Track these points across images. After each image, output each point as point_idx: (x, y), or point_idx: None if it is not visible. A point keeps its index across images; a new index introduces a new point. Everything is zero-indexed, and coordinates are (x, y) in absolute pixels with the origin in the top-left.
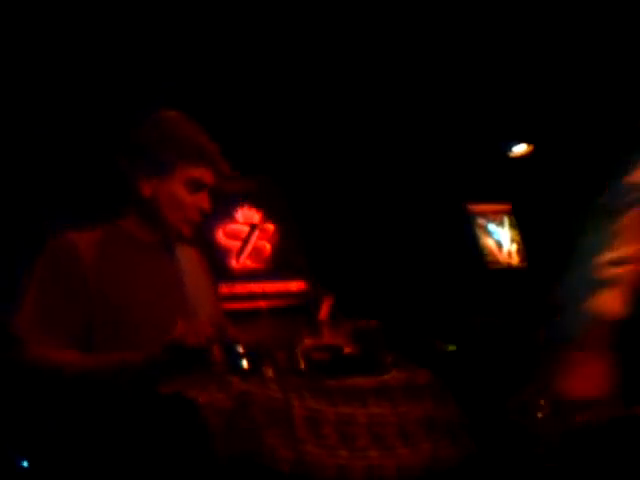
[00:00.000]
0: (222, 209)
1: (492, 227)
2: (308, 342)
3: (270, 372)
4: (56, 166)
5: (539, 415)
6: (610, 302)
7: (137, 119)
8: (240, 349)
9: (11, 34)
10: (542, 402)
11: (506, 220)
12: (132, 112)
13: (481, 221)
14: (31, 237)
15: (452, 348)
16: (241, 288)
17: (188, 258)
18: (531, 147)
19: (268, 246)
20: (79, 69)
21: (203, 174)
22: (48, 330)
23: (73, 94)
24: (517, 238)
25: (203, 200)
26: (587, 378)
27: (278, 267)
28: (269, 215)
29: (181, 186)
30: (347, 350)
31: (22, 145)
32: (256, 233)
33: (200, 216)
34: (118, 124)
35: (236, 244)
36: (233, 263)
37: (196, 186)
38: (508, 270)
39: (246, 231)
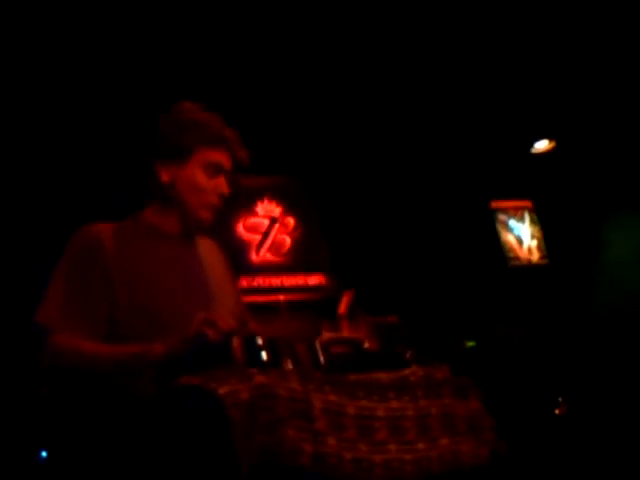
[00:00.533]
0: (242, 202)
1: (513, 223)
2: (327, 335)
3: (290, 365)
4: (78, 161)
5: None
6: None
7: (156, 112)
8: (260, 342)
9: (28, 36)
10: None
11: (527, 216)
12: (153, 109)
13: (502, 217)
14: (56, 233)
15: (471, 344)
16: (261, 281)
17: (208, 250)
18: (553, 143)
19: (288, 240)
20: (104, 64)
21: (221, 158)
22: (73, 319)
23: (93, 90)
24: (538, 234)
25: (222, 184)
26: None
27: (298, 261)
28: (289, 209)
29: (199, 170)
30: (367, 344)
31: (46, 143)
32: (276, 227)
33: (219, 200)
34: (138, 119)
35: (256, 237)
36: (253, 256)
37: (215, 170)
38: (528, 266)
39: (266, 225)
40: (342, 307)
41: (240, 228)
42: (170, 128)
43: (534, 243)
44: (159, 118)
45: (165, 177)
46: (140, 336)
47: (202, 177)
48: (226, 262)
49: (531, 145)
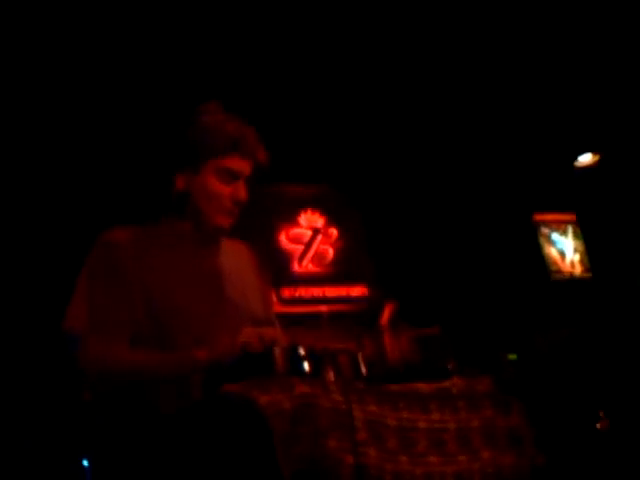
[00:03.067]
0: (285, 213)
1: (555, 237)
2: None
3: (331, 375)
4: (103, 169)
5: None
6: None
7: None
8: (302, 352)
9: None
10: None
11: (570, 230)
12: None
13: (545, 230)
14: (81, 239)
15: (513, 357)
16: (303, 292)
17: (234, 253)
18: (597, 157)
19: (331, 251)
20: (136, 72)
21: (236, 163)
22: (101, 324)
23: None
24: (581, 248)
25: (238, 190)
26: None
27: (340, 272)
28: (332, 220)
29: (213, 177)
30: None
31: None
32: (319, 238)
33: (236, 206)
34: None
35: (299, 248)
36: (295, 267)
37: (230, 176)
38: (571, 280)
39: (309, 235)
40: (384, 318)
41: (283, 239)
42: (185, 134)
43: (577, 257)
44: (175, 125)
45: (180, 184)
46: (160, 340)
47: (216, 184)
48: (255, 264)
49: (575, 159)
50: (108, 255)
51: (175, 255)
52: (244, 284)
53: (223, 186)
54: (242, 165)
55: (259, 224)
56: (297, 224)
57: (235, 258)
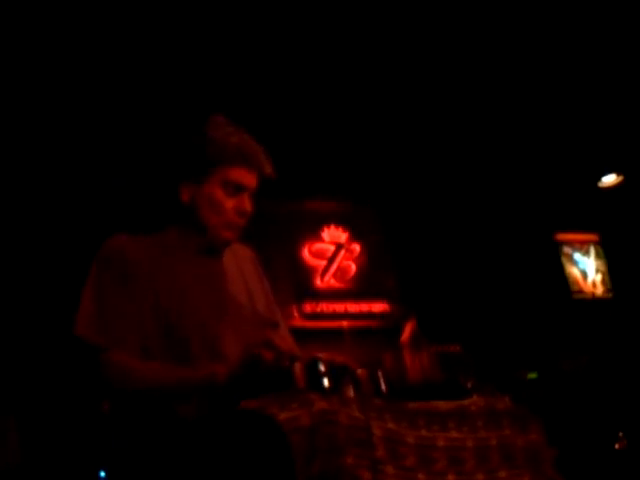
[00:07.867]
0: (308, 228)
1: (578, 256)
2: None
3: (351, 392)
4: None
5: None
6: None
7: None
8: (322, 368)
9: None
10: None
11: (592, 250)
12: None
13: (567, 250)
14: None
15: (533, 376)
16: (324, 307)
17: (237, 259)
18: (621, 178)
19: (353, 266)
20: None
21: (240, 175)
22: (116, 334)
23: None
24: (603, 268)
25: (243, 202)
26: None
27: (362, 288)
28: (356, 235)
29: (218, 189)
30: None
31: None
32: (342, 253)
33: (241, 219)
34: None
35: (321, 263)
36: (317, 282)
37: (234, 188)
38: (592, 300)
39: (332, 250)
40: (405, 335)
41: (306, 253)
42: (191, 145)
43: (599, 277)
44: (179, 136)
45: (185, 196)
46: (171, 347)
47: (221, 195)
48: (258, 266)
49: (599, 179)
50: (116, 261)
51: (181, 261)
52: (248, 286)
53: (228, 198)
54: (247, 177)
55: (282, 239)
56: (320, 239)
57: (238, 262)
